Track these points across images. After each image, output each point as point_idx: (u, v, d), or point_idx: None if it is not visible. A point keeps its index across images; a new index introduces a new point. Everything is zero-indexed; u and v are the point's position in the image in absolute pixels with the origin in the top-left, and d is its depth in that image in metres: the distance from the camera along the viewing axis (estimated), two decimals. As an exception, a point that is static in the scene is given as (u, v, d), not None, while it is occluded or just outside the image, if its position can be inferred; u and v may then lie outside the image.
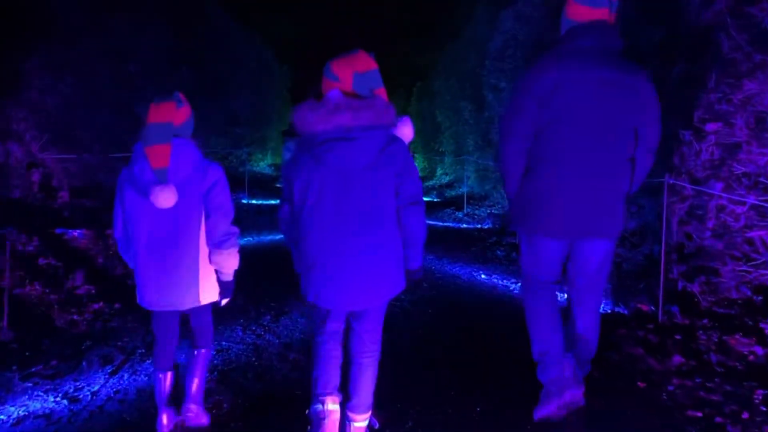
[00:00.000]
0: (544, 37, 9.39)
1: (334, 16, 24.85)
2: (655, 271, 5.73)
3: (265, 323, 4.49)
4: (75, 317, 4.30)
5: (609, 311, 4.69)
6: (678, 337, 3.99)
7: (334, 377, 2.51)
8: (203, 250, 2.55)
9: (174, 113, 2.50)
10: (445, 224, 10.11)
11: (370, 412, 2.56)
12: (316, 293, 2.36)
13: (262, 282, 5.63)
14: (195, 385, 2.74)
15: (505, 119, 2.81)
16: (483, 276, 5.94)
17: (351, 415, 2.52)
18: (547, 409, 2.77)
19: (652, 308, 4.47)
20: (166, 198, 2.37)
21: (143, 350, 3.88)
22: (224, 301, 2.71)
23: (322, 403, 2.45)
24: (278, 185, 17.00)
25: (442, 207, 12.58)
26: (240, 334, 4.24)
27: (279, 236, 8.32)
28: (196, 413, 2.74)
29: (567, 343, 2.89)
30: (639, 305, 4.58)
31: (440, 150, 20.31)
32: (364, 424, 2.54)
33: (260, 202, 12.67)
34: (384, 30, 24.42)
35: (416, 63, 23.06)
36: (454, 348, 3.94)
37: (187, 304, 2.58)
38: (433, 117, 20.68)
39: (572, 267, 2.90)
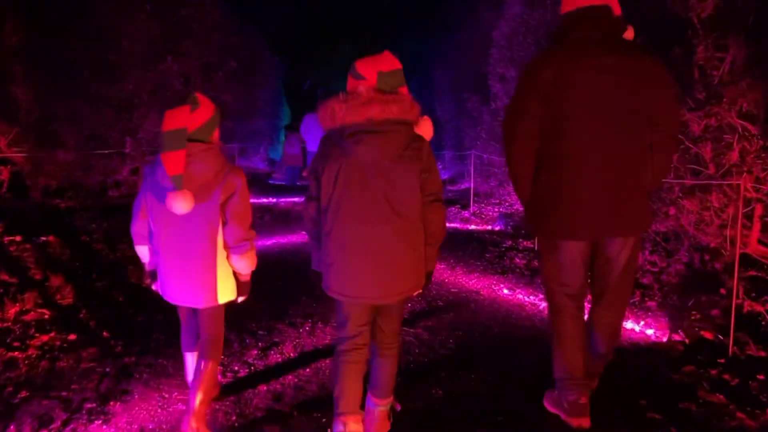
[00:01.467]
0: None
1: (329, 6, 23.98)
2: (705, 285, 4.99)
3: (250, 360, 3.71)
4: (15, 354, 3.49)
5: (665, 340, 3.92)
6: (761, 376, 3.24)
7: (356, 395, 2.51)
8: (221, 253, 2.61)
9: (187, 118, 2.49)
10: (453, 225, 9.32)
11: (392, 397, 2.69)
12: (339, 287, 2.39)
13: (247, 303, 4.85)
14: (198, 400, 2.64)
15: (507, 120, 2.72)
16: (506, 291, 5.17)
17: (374, 399, 2.64)
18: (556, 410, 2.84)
19: (720, 337, 3.70)
20: (181, 205, 2.40)
21: (94, 404, 3.05)
22: (241, 299, 2.77)
23: (344, 424, 2.47)
24: (270, 181, 16.19)
25: (446, 205, 11.81)
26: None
27: (269, 242, 7.53)
28: (196, 431, 2.64)
29: (587, 340, 2.79)
30: (701, 331, 3.81)
31: (440, 144, 19.58)
32: (387, 407, 2.67)
33: (265, 200, 11.83)
34: (380, 19, 23.58)
35: (414, 53, 22.16)
36: (493, 398, 3.16)
37: (204, 303, 2.65)
38: (432, 110, 19.98)
39: (598, 269, 2.75)
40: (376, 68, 2.33)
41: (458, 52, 16.72)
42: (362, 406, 2.61)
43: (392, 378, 2.63)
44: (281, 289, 5.23)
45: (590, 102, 2.49)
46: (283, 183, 15.48)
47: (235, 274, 2.69)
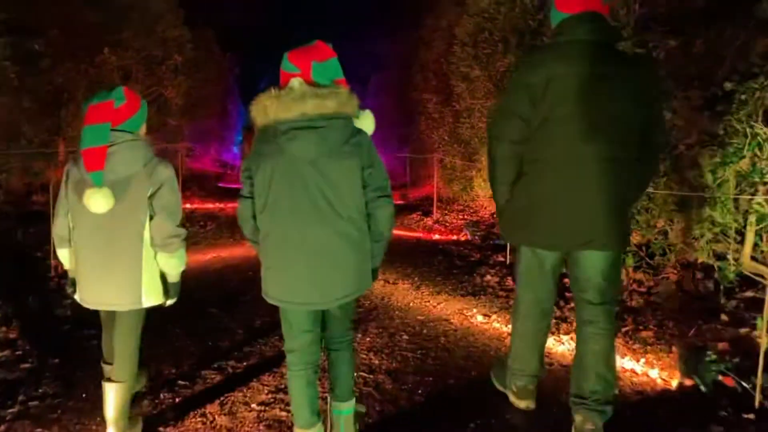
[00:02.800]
0: (530, 16, 8.15)
1: (285, 2, 23.09)
2: (702, 308, 4.41)
3: (161, 428, 2.88)
4: None
5: (674, 385, 3.29)
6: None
7: (312, 405, 2.41)
8: (148, 251, 2.48)
9: (112, 114, 2.39)
10: (415, 234, 8.63)
11: (354, 399, 2.56)
12: (277, 292, 2.29)
13: (171, 339, 4.04)
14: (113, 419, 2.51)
15: (494, 121, 2.65)
16: (480, 318, 4.48)
17: (335, 403, 2.53)
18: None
19: (743, 384, 3.08)
20: (98, 203, 2.30)
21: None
22: (169, 302, 2.64)
23: None
24: (220, 184, 15.19)
25: (407, 211, 11.11)
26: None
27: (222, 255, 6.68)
28: None
29: (578, 383, 2.64)
30: (720, 376, 3.19)
31: (398, 146, 18.93)
32: (351, 411, 2.54)
33: (210, 206, 10.89)
34: (339, 16, 22.80)
35: (373, 52, 21.49)
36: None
37: (127, 305, 2.51)
38: (391, 111, 19.33)
39: (577, 283, 2.67)
40: (310, 59, 2.22)
41: (420, 51, 16.11)
42: (324, 416, 2.55)
43: (350, 375, 2.54)
44: (214, 318, 4.42)
45: (581, 109, 2.41)
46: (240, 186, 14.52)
47: (162, 274, 2.56)
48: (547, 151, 2.48)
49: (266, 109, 2.20)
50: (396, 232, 8.82)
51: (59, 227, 2.54)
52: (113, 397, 2.49)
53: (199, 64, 14.95)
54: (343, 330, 2.50)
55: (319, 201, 2.18)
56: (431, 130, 14.10)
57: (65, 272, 2.65)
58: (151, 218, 2.45)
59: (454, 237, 8.16)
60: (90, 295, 2.49)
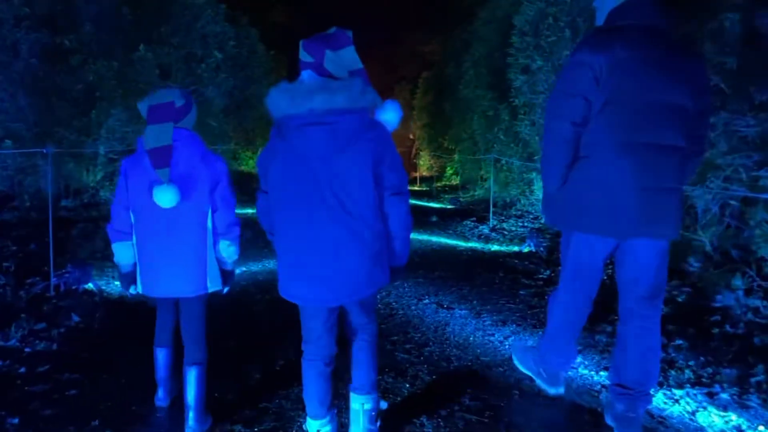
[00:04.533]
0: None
1: (332, 2, 22.51)
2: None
3: None
4: None
5: None
6: None
7: (325, 398, 2.39)
8: (210, 239, 2.61)
9: (173, 113, 2.55)
10: (470, 245, 7.70)
11: (375, 393, 2.49)
12: (292, 289, 2.27)
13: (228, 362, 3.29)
14: (194, 406, 2.63)
15: (554, 98, 2.54)
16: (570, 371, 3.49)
17: (355, 395, 2.46)
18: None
19: None
20: (168, 199, 2.44)
21: None
22: (226, 290, 2.76)
23: (311, 427, 2.41)
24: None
25: (459, 217, 10.18)
26: None
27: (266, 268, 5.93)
28: (198, 419, 2.65)
29: (622, 373, 2.62)
30: None
31: (450, 147, 18.01)
32: (371, 406, 2.46)
33: (250, 211, 10.22)
34: (385, 15, 22.03)
35: (422, 50, 20.62)
36: None
37: (194, 291, 2.62)
38: (442, 110, 18.44)
39: (628, 274, 2.60)
40: (324, 47, 2.13)
41: (472, 46, 15.14)
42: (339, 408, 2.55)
43: (372, 369, 2.46)
44: (228, 356, 3.62)
45: (644, 95, 2.37)
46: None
47: (219, 263, 2.67)
48: (609, 136, 2.41)
49: (277, 103, 2.14)
50: (448, 241, 7.90)
51: (120, 222, 2.62)
52: (194, 379, 2.63)
53: (242, 63, 14.39)
54: (363, 323, 2.43)
55: (330, 199, 2.13)
56: (485, 129, 13.17)
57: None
58: (212, 209, 2.60)
59: (516, 248, 7.18)
60: (157, 284, 2.61)
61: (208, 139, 12.53)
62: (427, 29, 21.19)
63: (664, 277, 2.62)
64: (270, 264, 6.19)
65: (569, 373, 3.22)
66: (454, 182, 18.06)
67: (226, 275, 2.73)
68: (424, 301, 4.83)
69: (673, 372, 3.31)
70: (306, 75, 2.14)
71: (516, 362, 3.16)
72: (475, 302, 4.78)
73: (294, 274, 2.23)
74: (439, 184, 18.34)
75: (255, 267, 6.05)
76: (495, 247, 7.40)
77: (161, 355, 2.86)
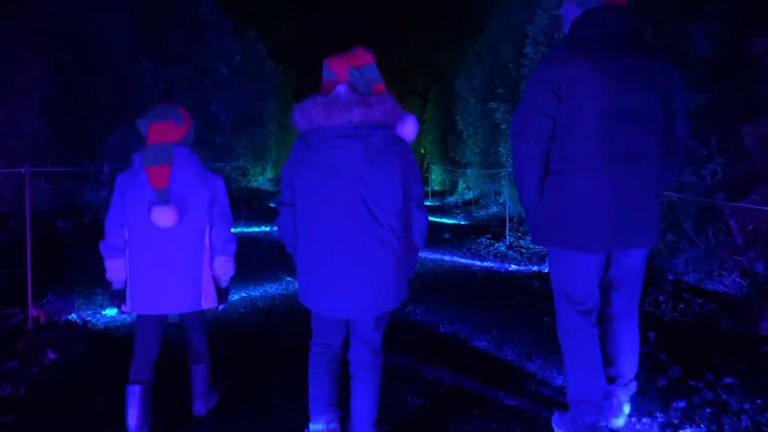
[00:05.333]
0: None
1: (340, 12, 22.27)
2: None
3: None
4: None
5: None
6: None
7: (330, 394, 2.42)
8: (207, 256, 2.65)
9: (173, 132, 2.57)
10: (486, 264, 7.26)
11: (376, 429, 2.43)
12: (315, 299, 2.27)
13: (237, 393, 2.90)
14: (201, 403, 2.84)
15: (518, 117, 2.54)
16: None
17: None
18: None
19: None
20: (166, 219, 2.45)
21: None
22: (221, 307, 2.80)
23: (316, 423, 2.41)
24: (272, 204, 14.21)
25: (474, 234, 9.73)
26: None
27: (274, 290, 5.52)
28: (204, 403, 2.85)
29: (605, 362, 2.62)
30: None
31: (462, 161, 17.60)
32: None
33: (255, 229, 9.87)
34: (395, 27, 21.78)
35: (433, 63, 20.32)
36: None
37: (186, 307, 2.63)
38: (454, 123, 18.06)
39: (610, 281, 2.62)
40: (347, 64, 2.22)
41: (484, 58, 14.79)
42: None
43: (372, 406, 2.37)
44: (240, 388, 3.22)
45: (611, 103, 2.33)
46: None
47: (215, 280, 2.70)
48: (580, 150, 2.38)
49: (311, 116, 2.17)
50: (463, 260, 7.47)
51: (114, 238, 2.59)
52: (201, 374, 2.79)
53: (249, 78, 14.12)
54: (374, 351, 2.38)
55: (360, 209, 2.16)
56: (498, 142, 12.77)
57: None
58: (210, 226, 2.63)
59: (535, 268, 6.74)
60: (151, 300, 2.57)
61: (214, 157, 12.24)
62: (438, 42, 20.89)
63: (641, 282, 2.67)
64: (272, 289, 5.79)
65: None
66: (467, 197, 17.62)
67: (222, 292, 2.76)
68: (439, 331, 4.41)
69: (728, 419, 2.86)
70: (342, 89, 2.19)
71: (555, 427, 2.76)
72: (494, 332, 4.34)
73: (322, 285, 2.22)
74: (451, 199, 17.90)
75: (255, 292, 5.63)
76: (513, 267, 6.96)
77: (134, 396, 2.52)
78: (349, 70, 2.21)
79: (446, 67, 21.02)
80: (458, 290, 5.72)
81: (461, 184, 18.84)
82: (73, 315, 4.37)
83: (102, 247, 2.60)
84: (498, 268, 6.96)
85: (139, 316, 2.68)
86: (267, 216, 11.39)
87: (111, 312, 4.69)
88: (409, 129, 2.28)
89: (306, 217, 2.23)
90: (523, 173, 2.54)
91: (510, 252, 7.88)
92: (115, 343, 4.04)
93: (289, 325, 4.52)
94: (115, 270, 2.60)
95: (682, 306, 4.67)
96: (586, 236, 2.43)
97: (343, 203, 2.16)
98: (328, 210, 2.18)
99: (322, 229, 2.19)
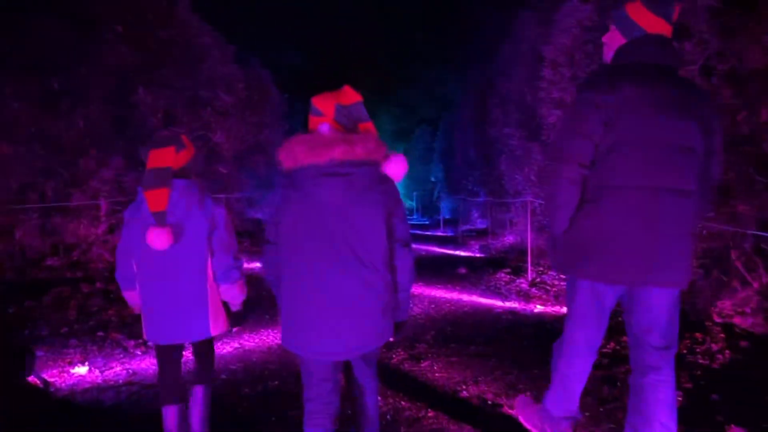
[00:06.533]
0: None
1: (346, 42, 21.96)
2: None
3: None
4: None
5: None
6: None
7: None
8: (211, 284, 2.64)
9: (173, 158, 2.58)
10: (508, 304, 6.57)
11: None
12: (298, 342, 2.21)
13: None
14: (198, 423, 2.76)
15: (560, 140, 2.46)
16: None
17: None
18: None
19: None
20: (160, 240, 2.45)
21: None
22: (234, 329, 2.96)
23: None
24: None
25: (491, 268, 9.05)
26: None
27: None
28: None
29: (637, 429, 2.51)
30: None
31: (474, 189, 17.01)
32: None
33: (258, 265, 9.21)
34: (403, 57, 21.44)
35: (442, 91, 19.89)
36: None
37: (195, 336, 2.65)
38: (466, 151, 17.52)
39: (639, 324, 2.49)
40: (334, 101, 2.21)
41: (494, 83, 14.29)
42: None
43: (373, 426, 2.44)
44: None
45: (654, 136, 2.28)
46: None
47: (226, 305, 2.71)
48: (618, 179, 2.32)
49: (294, 153, 2.14)
50: (482, 300, 6.79)
51: (125, 269, 2.67)
52: (203, 396, 2.76)
53: (252, 106, 13.64)
54: (366, 377, 2.39)
55: (344, 249, 2.12)
56: (514, 170, 12.16)
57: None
58: (211, 254, 2.64)
59: (564, 309, 6.05)
60: (160, 330, 2.60)
61: (217, 187, 11.70)
62: (447, 69, 20.51)
63: (676, 327, 2.51)
64: (268, 338, 5.13)
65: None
66: (480, 227, 16.98)
67: (235, 316, 2.69)
68: (462, 394, 3.73)
69: None
70: (325, 127, 2.18)
71: (522, 419, 2.90)
72: (520, 386, 3.65)
73: (303, 325, 2.18)
74: (464, 228, 17.25)
75: (249, 343, 4.96)
76: (539, 308, 6.27)
77: (170, 415, 2.66)
78: (336, 108, 2.20)
79: (455, 95, 20.59)
80: (481, 339, 5.04)
81: (474, 213, 18.25)
82: (33, 375, 3.74)
83: (117, 278, 2.72)
84: (523, 309, 6.27)
85: (155, 344, 2.73)
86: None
87: (81, 370, 4.06)
88: (398, 168, 2.23)
89: (289, 255, 2.20)
90: (558, 197, 2.45)
91: (533, 289, 7.19)
92: (82, 410, 3.39)
93: (284, 388, 3.86)
94: (132, 301, 2.75)
95: (729, 353, 4.00)
96: (610, 268, 2.36)
97: (326, 242, 2.13)
98: (311, 249, 2.14)
99: (305, 269, 2.15)
